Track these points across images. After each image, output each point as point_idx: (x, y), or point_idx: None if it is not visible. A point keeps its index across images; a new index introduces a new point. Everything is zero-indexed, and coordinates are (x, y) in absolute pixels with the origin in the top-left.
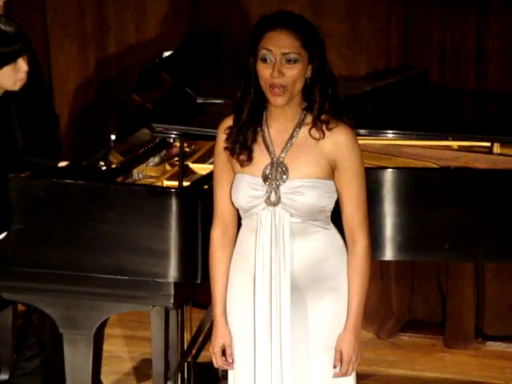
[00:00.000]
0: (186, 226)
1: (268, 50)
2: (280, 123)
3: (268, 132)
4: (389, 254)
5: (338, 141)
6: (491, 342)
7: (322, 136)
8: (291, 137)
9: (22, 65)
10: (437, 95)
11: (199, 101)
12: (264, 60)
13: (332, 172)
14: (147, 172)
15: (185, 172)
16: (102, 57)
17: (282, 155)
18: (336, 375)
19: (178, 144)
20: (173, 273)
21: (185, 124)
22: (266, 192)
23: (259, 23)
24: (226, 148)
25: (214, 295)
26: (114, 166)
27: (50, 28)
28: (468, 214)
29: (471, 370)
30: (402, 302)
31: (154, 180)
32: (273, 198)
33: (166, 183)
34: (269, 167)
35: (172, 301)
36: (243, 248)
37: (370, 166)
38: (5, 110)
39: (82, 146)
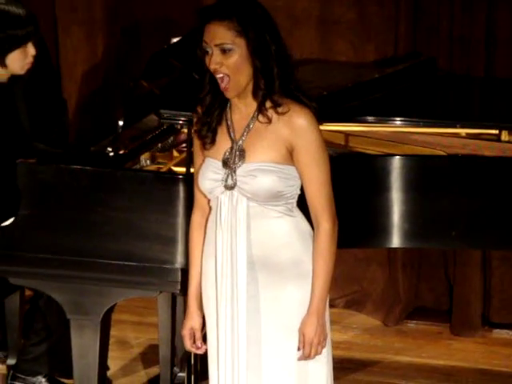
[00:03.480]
0: None
1: (205, 42)
2: (241, 109)
3: (231, 117)
4: (396, 241)
5: (293, 123)
6: (498, 330)
7: (268, 120)
8: (250, 121)
9: (31, 49)
10: (445, 82)
11: None
12: (205, 52)
13: (290, 156)
14: (155, 158)
15: (192, 158)
16: (110, 43)
17: (242, 140)
18: (300, 358)
19: (185, 130)
20: (180, 259)
21: (192, 110)
22: (225, 175)
23: (199, 15)
24: (195, 131)
25: (189, 276)
26: (121, 152)
27: (58, 14)
28: (476, 202)
29: (478, 357)
30: (408, 289)
31: (161, 166)
32: (229, 181)
33: (174, 169)
34: (228, 151)
35: (179, 287)
36: (209, 231)
37: (378, 153)
38: (11, 95)
39: (90, 132)
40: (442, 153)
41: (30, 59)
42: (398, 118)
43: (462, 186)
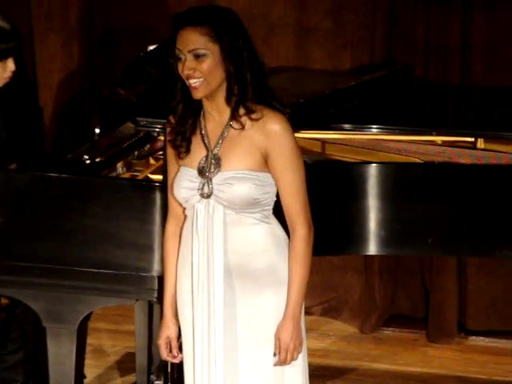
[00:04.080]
0: None
1: (178, 49)
2: (215, 117)
3: (205, 126)
4: (372, 248)
5: (267, 129)
6: (474, 337)
7: (241, 127)
8: (224, 129)
9: (11, 64)
10: (421, 90)
11: None
12: (178, 58)
13: (266, 163)
14: (131, 166)
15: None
16: (87, 51)
17: (217, 148)
18: (275, 364)
19: (162, 138)
20: (157, 267)
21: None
22: (200, 184)
23: (172, 23)
24: (169, 141)
25: (164, 286)
26: (98, 160)
27: (34, 21)
28: (451, 209)
29: (454, 364)
30: (385, 296)
31: (138, 174)
32: (206, 189)
33: (151, 177)
34: (204, 160)
35: (156, 295)
36: (184, 240)
37: (355, 160)
38: None
39: (66, 140)
40: (419, 160)
41: (8, 74)
42: (375, 126)
43: (439, 193)
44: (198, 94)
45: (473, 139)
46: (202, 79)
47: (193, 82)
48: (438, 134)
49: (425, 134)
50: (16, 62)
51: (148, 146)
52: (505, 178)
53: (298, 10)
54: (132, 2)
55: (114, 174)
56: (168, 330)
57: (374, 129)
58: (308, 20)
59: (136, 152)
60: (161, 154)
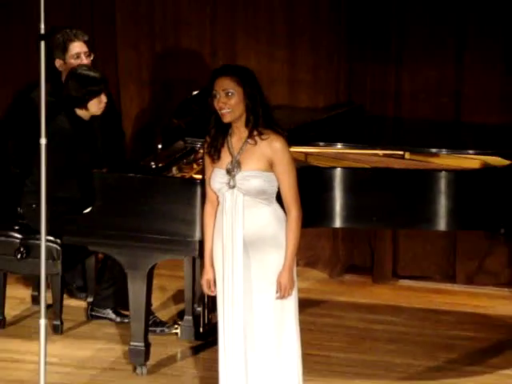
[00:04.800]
0: None
1: (215, 90)
2: (237, 135)
3: (230, 141)
4: (337, 223)
5: (272, 146)
6: (402, 280)
7: (255, 143)
8: (243, 143)
9: (103, 98)
10: (369, 121)
11: None
12: (215, 96)
13: (271, 166)
14: (182, 169)
15: (204, 170)
16: (153, 94)
17: (238, 156)
18: (277, 298)
19: (201, 151)
20: (198, 234)
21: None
22: (228, 179)
23: (212, 74)
24: (206, 152)
25: (204, 247)
26: (160, 165)
27: (119, 75)
28: (389, 197)
29: (389, 297)
30: (346, 254)
31: (186, 174)
32: (231, 183)
33: (194, 176)
34: (230, 163)
35: (197, 253)
36: (218, 217)
37: (326, 165)
38: (91, 128)
39: (139, 152)
40: (367, 166)
41: (102, 105)
42: (339, 143)
43: (380, 187)
44: (226, 120)
45: (402, 152)
46: (229, 110)
47: (223, 111)
48: (380, 149)
49: (371, 149)
50: (108, 100)
51: (192, 156)
52: (422, 178)
53: (290, 68)
54: (183, 62)
55: (170, 175)
56: (207, 275)
57: (339, 145)
58: (296, 75)
59: (185, 160)
60: (200, 162)
